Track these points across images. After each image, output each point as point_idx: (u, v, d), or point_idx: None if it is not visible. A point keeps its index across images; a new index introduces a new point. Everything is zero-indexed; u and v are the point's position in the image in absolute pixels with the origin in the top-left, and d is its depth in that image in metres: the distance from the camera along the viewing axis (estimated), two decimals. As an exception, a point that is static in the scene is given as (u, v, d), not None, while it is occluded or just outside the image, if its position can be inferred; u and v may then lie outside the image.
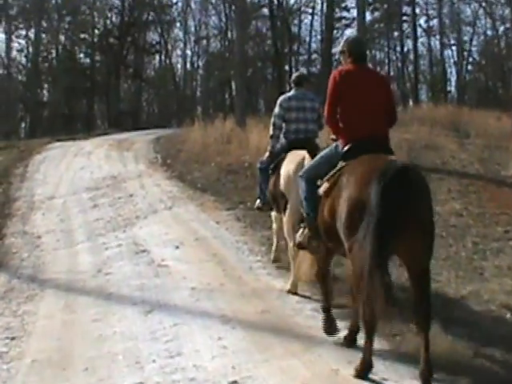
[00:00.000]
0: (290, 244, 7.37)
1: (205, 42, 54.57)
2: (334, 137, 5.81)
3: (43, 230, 11.89)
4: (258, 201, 8.81)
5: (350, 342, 5.78)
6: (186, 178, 16.36)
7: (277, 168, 7.79)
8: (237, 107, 25.65)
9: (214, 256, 9.29)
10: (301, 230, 6.28)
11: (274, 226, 8.64)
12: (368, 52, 6.84)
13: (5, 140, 30.30)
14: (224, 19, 50.50)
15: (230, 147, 19.32)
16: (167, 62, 53.12)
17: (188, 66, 55.62)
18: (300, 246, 6.46)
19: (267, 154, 8.30)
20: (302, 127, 7.94)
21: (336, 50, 33.93)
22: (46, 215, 13.24)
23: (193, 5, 53.31)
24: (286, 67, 47.05)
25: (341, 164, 5.37)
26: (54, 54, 49.79)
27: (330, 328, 5.99)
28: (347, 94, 5.50)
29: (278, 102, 8.10)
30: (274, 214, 8.48)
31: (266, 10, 45.70)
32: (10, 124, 44.84)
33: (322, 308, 6.21)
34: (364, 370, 5.05)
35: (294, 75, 8.60)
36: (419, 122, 19.52)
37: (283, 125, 8.04)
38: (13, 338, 6.61)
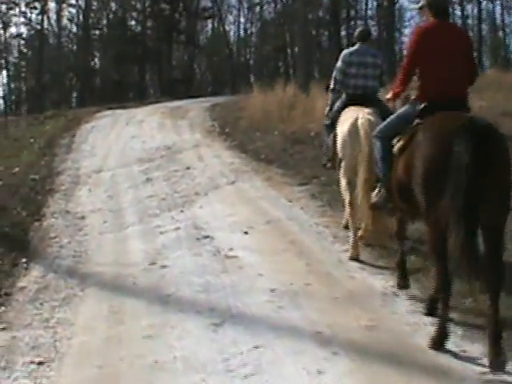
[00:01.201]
0: (346, 200, 7.25)
1: (258, 8, 53.27)
2: (389, 96, 5.97)
3: (88, 208, 10.29)
4: (324, 157, 8.55)
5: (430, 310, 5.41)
6: (248, 147, 14.75)
7: (334, 124, 7.63)
8: (299, 72, 23.91)
9: (292, 244, 7.57)
10: (376, 190, 6.22)
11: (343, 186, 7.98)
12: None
13: (55, 109, 29.25)
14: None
15: (293, 114, 17.83)
16: (220, 28, 51.56)
17: (241, 32, 54.62)
18: (376, 207, 6.33)
19: (327, 108, 8.25)
20: (360, 83, 7.75)
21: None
22: (92, 191, 11.66)
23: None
24: (343, 33, 45.02)
25: (417, 121, 5.22)
26: (104, 22, 48.71)
27: (403, 283, 5.99)
28: (428, 51, 5.30)
29: (341, 56, 7.92)
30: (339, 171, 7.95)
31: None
32: (61, 93, 44.18)
33: (397, 264, 6.11)
34: (440, 340, 4.75)
35: (357, 30, 8.27)
36: (492, 89, 17.39)
37: (343, 80, 7.85)
38: (40, 363, 4.94)
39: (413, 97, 5.59)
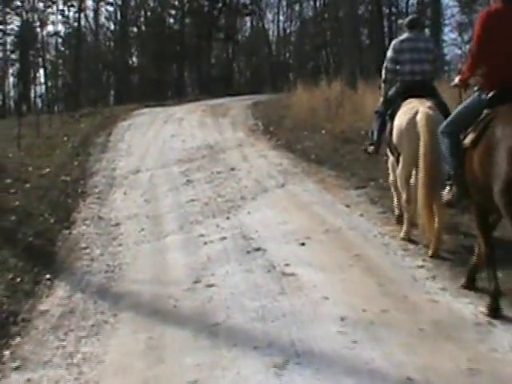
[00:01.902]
0: (404, 196, 7.10)
1: (298, 6, 52.35)
2: (456, 82, 5.69)
3: (124, 214, 9.32)
4: (370, 148, 8.40)
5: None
6: (296, 147, 13.76)
7: (392, 115, 7.37)
8: (345, 68, 22.68)
9: (358, 258, 6.52)
10: (447, 188, 5.75)
11: (391, 177, 7.95)
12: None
13: (92, 107, 28.60)
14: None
15: (341, 112, 16.91)
16: (260, 25, 50.70)
17: (281, 31, 53.61)
18: (449, 205, 6.05)
19: (381, 99, 8.02)
20: (417, 68, 7.52)
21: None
22: (128, 194, 10.70)
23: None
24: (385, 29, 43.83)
25: (487, 111, 4.98)
26: (142, 19, 48.21)
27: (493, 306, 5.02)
28: (495, 36, 5.03)
29: (391, 45, 7.78)
30: (390, 161, 7.94)
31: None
32: (98, 91, 43.76)
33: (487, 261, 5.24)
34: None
35: (407, 19, 8.12)
36: None
37: (397, 68, 7.68)
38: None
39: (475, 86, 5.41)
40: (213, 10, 44.90)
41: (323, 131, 15.13)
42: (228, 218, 8.50)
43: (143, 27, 48.23)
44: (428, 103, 6.76)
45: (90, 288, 6.33)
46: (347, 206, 8.68)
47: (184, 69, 48.09)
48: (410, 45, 7.59)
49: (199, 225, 8.35)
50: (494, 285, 5.02)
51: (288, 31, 53.81)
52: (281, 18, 52.89)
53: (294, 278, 6.03)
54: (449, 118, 5.67)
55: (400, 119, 7.01)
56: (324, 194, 9.50)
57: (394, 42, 7.80)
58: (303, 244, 7.07)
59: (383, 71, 7.90)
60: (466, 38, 41.17)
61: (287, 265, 6.39)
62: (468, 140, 5.10)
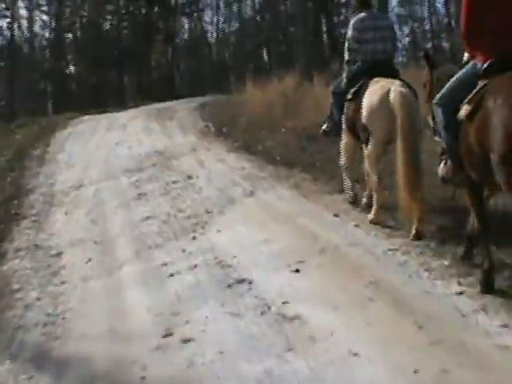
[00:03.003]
0: (374, 178, 6.77)
1: (235, 6, 51.29)
2: (467, 58, 5.25)
3: (66, 240, 7.63)
4: (325, 125, 8.29)
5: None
6: (256, 148, 12.23)
7: (357, 95, 7.01)
8: (300, 60, 21.12)
9: (376, 287, 5.00)
10: (442, 164, 5.45)
11: (343, 159, 7.82)
12: None
13: (29, 117, 26.73)
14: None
15: (300, 107, 15.34)
16: (199, 27, 49.41)
17: (220, 31, 52.08)
18: (443, 181, 5.57)
19: (344, 80, 7.56)
20: (379, 47, 7.33)
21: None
22: (70, 214, 8.98)
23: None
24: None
25: (482, 82, 4.59)
26: (77, 25, 46.43)
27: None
28: (486, 3, 4.62)
29: (351, 24, 7.53)
30: (343, 141, 7.73)
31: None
32: (36, 101, 41.90)
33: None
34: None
35: None
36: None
37: (359, 47, 7.38)
38: None
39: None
40: (150, 12, 43.23)
41: (283, 129, 13.65)
42: (194, 239, 6.93)
43: (79, 33, 46.32)
44: (397, 82, 6.66)
45: (24, 352, 4.66)
46: (336, 215, 7.19)
47: (124, 74, 46.39)
48: (372, 23, 7.39)
49: (160, 250, 6.77)
50: (487, 262, 4.81)
51: (226, 31, 52.47)
52: (221, 18, 51.70)
53: (300, 322, 4.49)
54: (443, 90, 5.26)
55: (371, 98, 6.71)
56: (304, 201, 8.00)
57: (353, 21, 7.52)
58: (298, 271, 5.54)
59: (345, 52, 7.55)
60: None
61: (285, 302, 4.86)
62: (463, 112, 4.73)
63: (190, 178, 10.11)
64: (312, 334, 4.27)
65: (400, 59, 36.56)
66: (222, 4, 50.95)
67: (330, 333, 4.24)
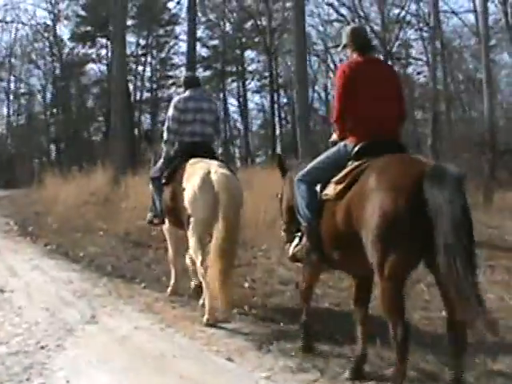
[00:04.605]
0: (198, 263, 6.50)
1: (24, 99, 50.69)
2: (335, 139, 5.32)
3: None
4: (149, 214, 7.85)
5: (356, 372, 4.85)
6: (77, 254, 10.50)
7: (172, 177, 7.03)
8: (115, 154, 19.15)
9: None
10: (296, 241, 5.54)
11: (170, 251, 7.77)
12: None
13: None
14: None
15: (117, 207, 13.75)
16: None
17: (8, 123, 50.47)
18: (294, 259, 5.63)
19: (161, 160, 7.54)
20: (198, 129, 7.37)
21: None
22: None
23: (13, 60, 48.43)
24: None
25: (353, 164, 4.80)
26: None
27: (308, 348, 5.36)
28: (358, 88, 4.98)
29: (173, 103, 7.51)
30: (166, 228, 7.62)
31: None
32: None
33: (302, 325, 5.47)
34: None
35: (186, 76, 8.11)
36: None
37: (178, 128, 7.36)
38: None
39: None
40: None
41: (101, 232, 12.10)
42: (31, 389, 4.78)
43: None
44: (216, 162, 6.74)
45: None
46: (229, 359, 5.36)
47: None
48: (195, 105, 7.41)
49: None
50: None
51: (16, 124, 51.05)
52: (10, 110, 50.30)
53: None
54: (308, 167, 5.31)
55: (191, 180, 6.64)
56: (172, 334, 6.11)
57: (175, 100, 7.53)
58: None
59: (165, 132, 7.47)
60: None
61: None
62: (331, 191, 4.81)
63: (1, 291, 7.87)
64: None
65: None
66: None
67: None
